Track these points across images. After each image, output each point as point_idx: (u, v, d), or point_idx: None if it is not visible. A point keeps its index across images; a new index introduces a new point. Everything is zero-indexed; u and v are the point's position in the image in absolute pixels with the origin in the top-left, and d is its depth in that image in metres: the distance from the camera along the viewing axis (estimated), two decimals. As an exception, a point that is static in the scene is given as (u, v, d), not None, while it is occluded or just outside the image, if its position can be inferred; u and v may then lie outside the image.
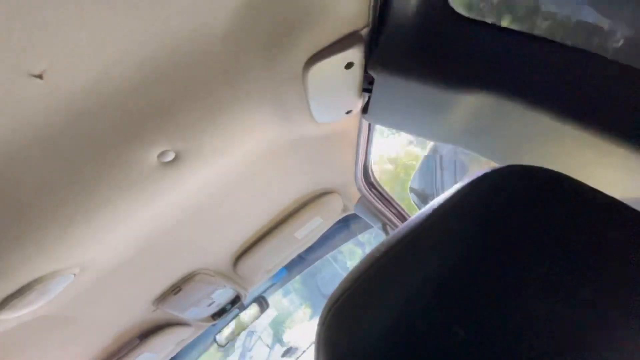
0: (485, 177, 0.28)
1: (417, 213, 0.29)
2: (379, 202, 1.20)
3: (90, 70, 0.37)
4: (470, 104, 0.47)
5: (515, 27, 0.46)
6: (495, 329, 0.21)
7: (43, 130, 0.40)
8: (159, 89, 0.44)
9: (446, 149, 2.15)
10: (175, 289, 1.04)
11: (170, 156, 0.54)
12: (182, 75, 0.44)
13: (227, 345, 1.48)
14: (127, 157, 0.50)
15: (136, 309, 1.02)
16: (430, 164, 2.26)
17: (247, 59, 0.47)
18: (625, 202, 0.25)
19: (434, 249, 0.26)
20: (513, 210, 0.25)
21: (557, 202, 0.26)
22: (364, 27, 0.49)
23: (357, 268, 0.28)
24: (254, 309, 1.51)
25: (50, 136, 0.41)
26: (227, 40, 0.43)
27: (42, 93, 0.37)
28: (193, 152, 0.56)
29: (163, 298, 1.03)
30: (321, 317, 0.27)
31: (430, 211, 0.28)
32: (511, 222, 0.25)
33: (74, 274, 0.65)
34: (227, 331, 1.47)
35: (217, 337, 1.46)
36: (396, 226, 1.24)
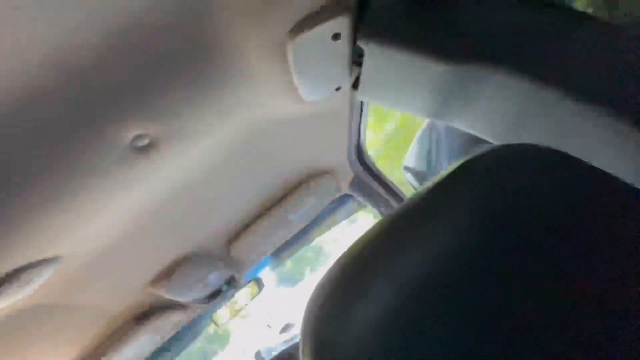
0: (483, 156, 0.26)
1: (411, 194, 0.27)
2: (373, 182, 1.19)
3: (48, 44, 0.33)
4: (466, 77, 0.44)
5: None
6: (491, 322, 0.20)
7: None
8: (125, 66, 0.40)
9: (443, 124, 2.11)
10: (168, 272, 1.03)
11: (145, 140, 0.50)
12: (150, 51, 0.40)
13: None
14: (97, 142, 0.46)
15: (129, 294, 1.02)
16: (426, 141, 2.22)
17: (223, 31, 0.43)
18: (632, 183, 0.23)
19: (428, 234, 0.24)
20: (513, 192, 0.24)
21: (560, 181, 0.24)
22: None
23: (346, 253, 0.26)
24: (250, 289, 1.53)
25: (7, 121, 0.38)
26: (199, 9, 0.39)
27: None
28: (169, 135, 0.53)
29: (156, 282, 1.02)
30: (307, 303, 0.26)
31: (424, 193, 0.26)
32: (511, 204, 0.23)
33: (57, 263, 0.63)
34: (224, 311, 1.49)
35: (215, 317, 1.49)
36: (391, 206, 1.23)
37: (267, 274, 1.65)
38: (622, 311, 0.19)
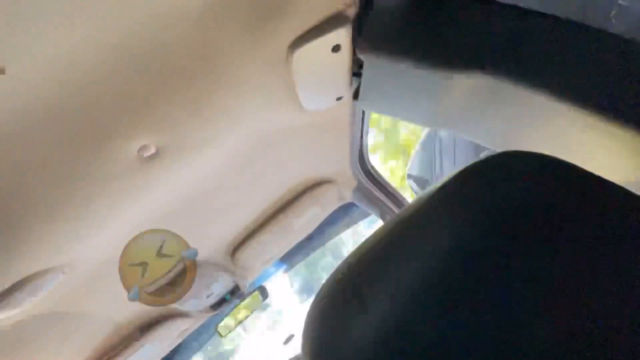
0: (481, 164, 0.26)
1: (411, 202, 0.28)
2: (376, 189, 1.19)
3: (56, 60, 0.35)
4: (465, 86, 0.45)
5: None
6: (492, 331, 0.20)
7: (9, 127, 0.38)
8: (131, 79, 0.41)
9: (445, 132, 2.11)
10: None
11: (151, 150, 0.51)
12: (155, 64, 0.41)
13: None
14: (105, 153, 0.47)
15: (134, 302, 1.02)
16: (429, 148, 2.22)
17: (227, 45, 0.44)
18: (626, 187, 0.23)
19: (427, 241, 0.24)
20: (512, 199, 0.24)
21: (558, 190, 0.24)
22: (349, 7, 0.46)
23: (346, 261, 0.26)
24: (254, 298, 1.52)
25: (17, 133, 0.39)
26: (203, 24, 0.40)
27: (6, 88, 0.34)
28: (175, 145, 0.54)
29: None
30: (308, 314, 0.26)
31: (424, 200, 0.26)
32: (510, 212, 0.23)
33: (63, 272, 0.64)
34: (228, 321, 1.48)
35: (219, 327, 1.48)
36: (394, 214, 1.23)
37: (280, 281, 1.63)
38: (619, 314, 0.20)
